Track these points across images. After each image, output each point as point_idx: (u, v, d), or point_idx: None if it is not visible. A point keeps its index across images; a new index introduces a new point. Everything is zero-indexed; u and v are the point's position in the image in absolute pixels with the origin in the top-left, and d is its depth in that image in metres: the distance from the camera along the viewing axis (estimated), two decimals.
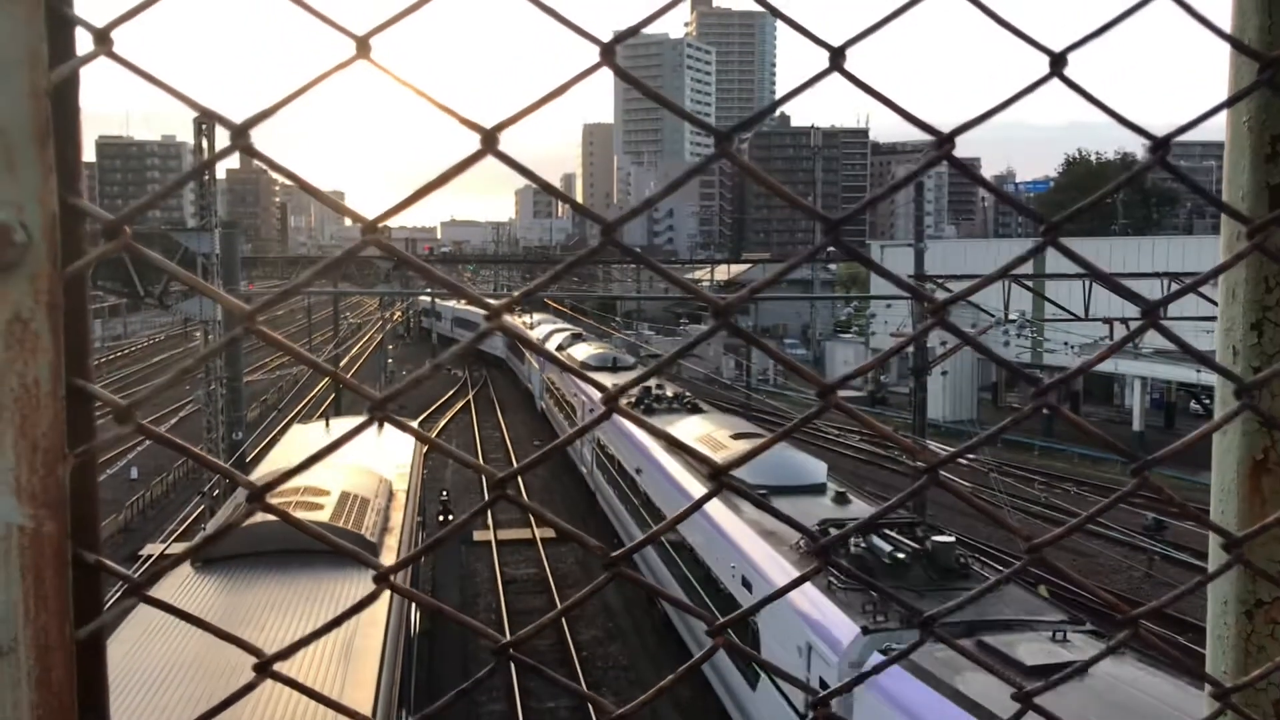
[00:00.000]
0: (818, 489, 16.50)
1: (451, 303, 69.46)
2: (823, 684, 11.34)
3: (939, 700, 9.39)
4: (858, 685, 0.81)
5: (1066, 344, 31.96)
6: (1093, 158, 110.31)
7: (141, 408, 0.79)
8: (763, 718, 13.29)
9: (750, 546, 14.24)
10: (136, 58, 0.79)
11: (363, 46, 0.78)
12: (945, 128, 0.97)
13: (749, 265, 78.63)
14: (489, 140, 0.79)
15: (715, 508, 15.63)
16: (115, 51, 0.76)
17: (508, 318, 0.86)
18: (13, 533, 0.75)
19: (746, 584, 14.05)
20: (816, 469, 17.24)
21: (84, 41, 0.77)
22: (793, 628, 12.11)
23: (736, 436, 19.63)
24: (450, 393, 51.22)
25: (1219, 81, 1.31)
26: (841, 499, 16.08)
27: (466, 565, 24.63)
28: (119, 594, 0.86)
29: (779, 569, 13.17)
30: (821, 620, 11.62)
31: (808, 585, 12.04)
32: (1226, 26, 1.23)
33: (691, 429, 20.96)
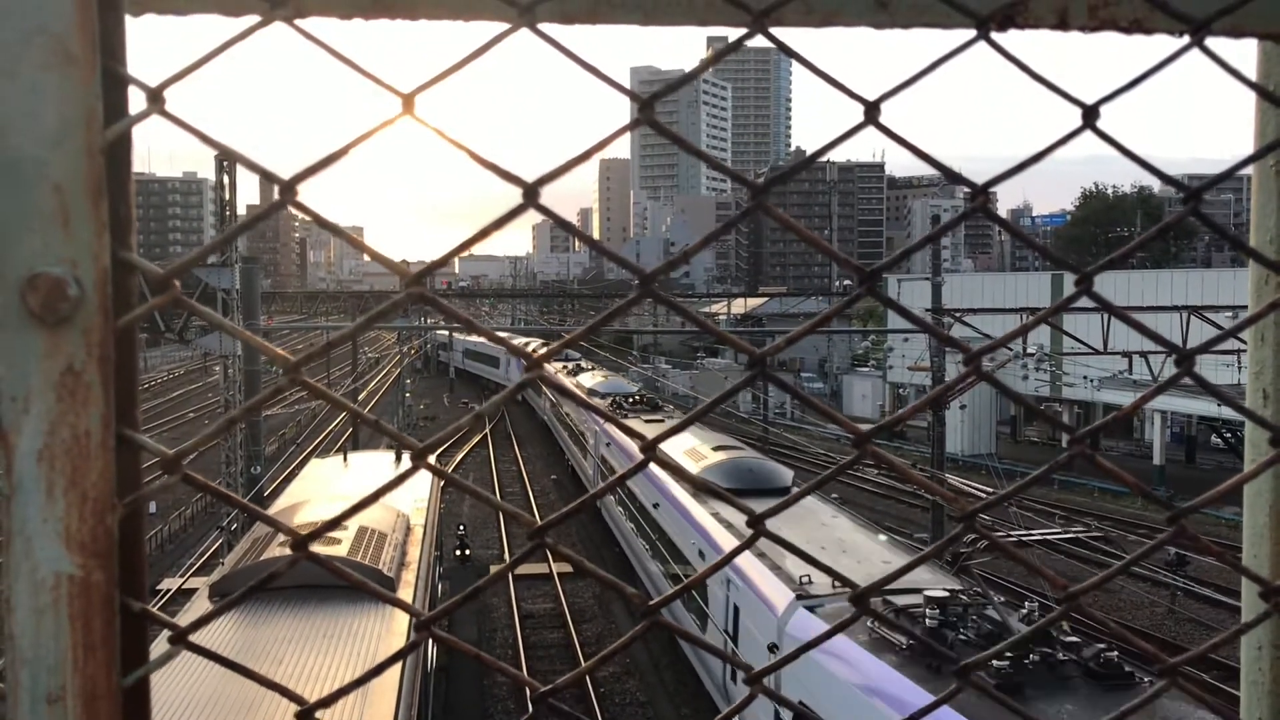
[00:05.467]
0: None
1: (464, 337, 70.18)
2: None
3: None
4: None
5: (1085, 378, 31.79)
6: (1109, 191, 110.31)
7: (187, 459, 0.81)
8: None
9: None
10: (178, 106, 0.81)
11: (408, 104, 0.79)
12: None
13: (765, 299, 78.67)
14: (530, 194, 0.81)
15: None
16: (168, 110, 0.78)
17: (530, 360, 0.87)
18: (62, 582, 0.76)
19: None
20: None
21: (136, 99, 0.79)
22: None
23: (717, 449, 21.93)
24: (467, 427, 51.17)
25: (1241, 113, 1.32)
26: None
27: (483, 599, 24.54)
28: (163, 639, 0.87)
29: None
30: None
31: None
32: (1252, 73, 1.24)
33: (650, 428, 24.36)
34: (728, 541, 15.57)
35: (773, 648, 12.28)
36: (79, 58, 0.74)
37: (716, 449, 21.78)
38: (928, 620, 10.66)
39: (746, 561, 13.86)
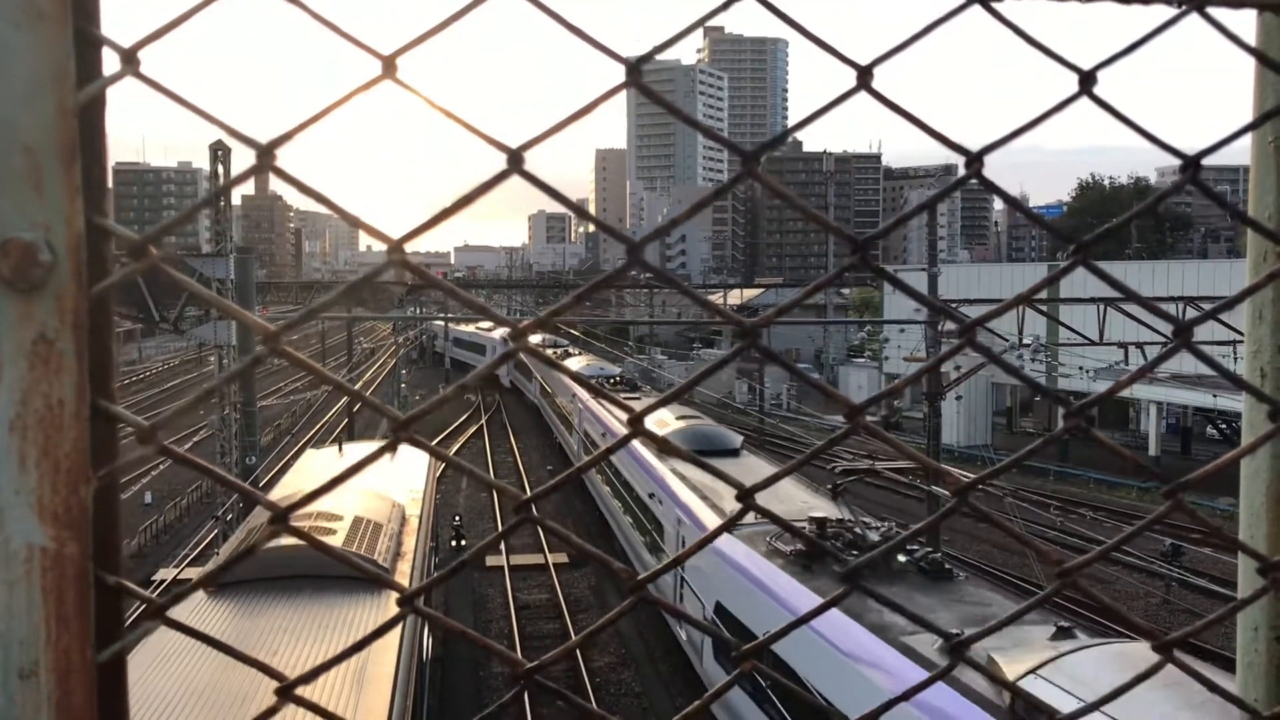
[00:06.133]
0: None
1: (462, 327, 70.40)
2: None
3: None
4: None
5: (1081, 368, 31.82)
6: (1106, 182, 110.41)
7: (163, 429, 0.79)
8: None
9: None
10: (161, 80, 0.79)
11: (389, 66, 0.78)
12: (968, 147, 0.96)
13: (762, 290, 78.70)
14: (515, 160, 0.79)
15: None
16: (142, 71, 0.76)
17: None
18: (35, 554, 0.74)
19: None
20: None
21: (110, 62, 0.78)
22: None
23: (680, 418, 25.49)
24: (464, 417, 51.24)
25: (1237, 106, 1.30)
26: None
27: (479, 590, 24.57)
28: (139, 616, 0.85)
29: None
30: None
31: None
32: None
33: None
34: (679, 487, 19.23)
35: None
36: (50, 16, 0.72)
37: (680, 418, 25.23)
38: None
39: (693, 502, 18.20)
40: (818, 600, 11.62)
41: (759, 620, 13.59)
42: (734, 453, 22.44)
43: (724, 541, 15.22)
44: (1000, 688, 8.90)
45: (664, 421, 24.43)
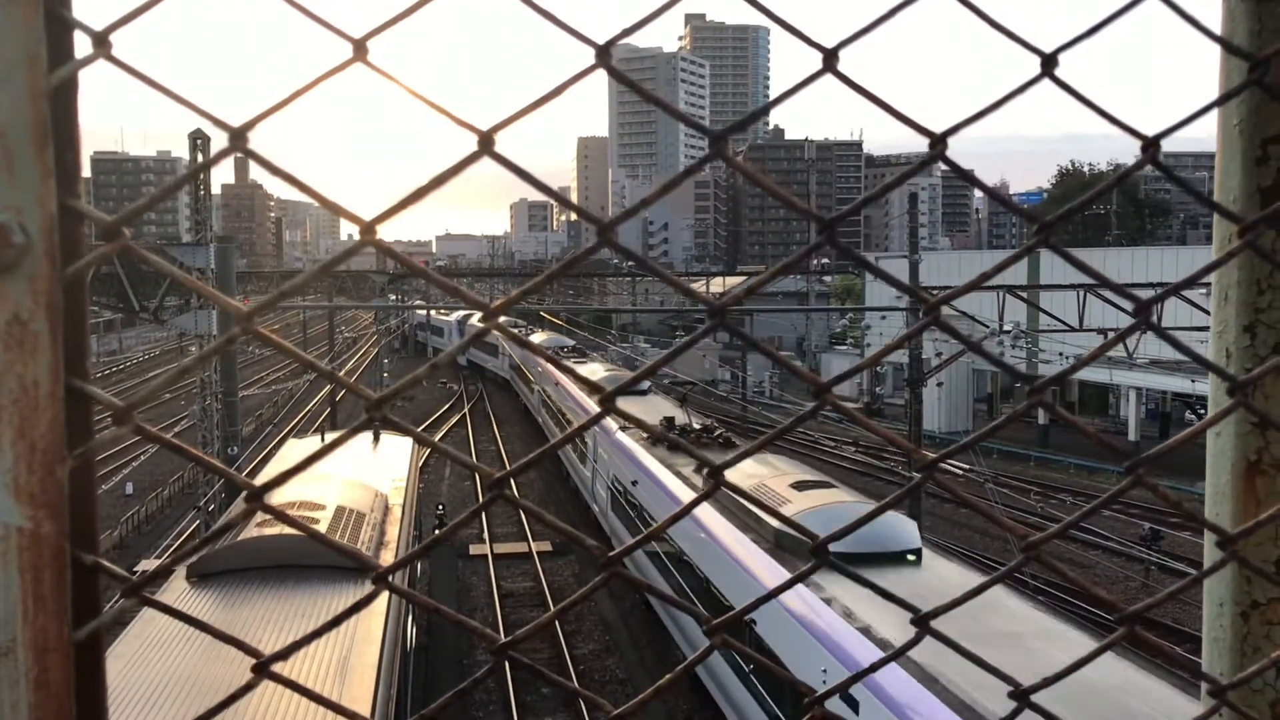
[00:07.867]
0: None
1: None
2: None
3: None
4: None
5: (1061, 354, 32.01)
6: (1086, 169, 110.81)
7: (139, 410, 0.79)
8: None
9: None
10: (135, 66, 0.80)
11: (360, 49, 0.78)
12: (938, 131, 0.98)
13: (744, 278, 78.77)
14: (485, 142, 0.80)
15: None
16: (114, 55, 0.76)
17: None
18: (11, 533, 0.75)
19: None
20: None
21: (83, 45, 0.78)
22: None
23: (606, 369, 35.53)
24: (445, 407, 51.17)
25: (1207, 98, 1.32)
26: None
27: (462, 579, 24.57)
28: (118, 596, 0.86)
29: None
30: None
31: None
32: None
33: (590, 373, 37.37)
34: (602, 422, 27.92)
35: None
36: None
37: (606, 369, 35.06)
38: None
39: (606, 421, 25.41)
40: (655, 461, 22.48)
41: (624, 474, 22.58)
42: (643, 393, 30.46)
43: (622, 437, 23.73)
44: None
45: (594, 372, 34.45)
